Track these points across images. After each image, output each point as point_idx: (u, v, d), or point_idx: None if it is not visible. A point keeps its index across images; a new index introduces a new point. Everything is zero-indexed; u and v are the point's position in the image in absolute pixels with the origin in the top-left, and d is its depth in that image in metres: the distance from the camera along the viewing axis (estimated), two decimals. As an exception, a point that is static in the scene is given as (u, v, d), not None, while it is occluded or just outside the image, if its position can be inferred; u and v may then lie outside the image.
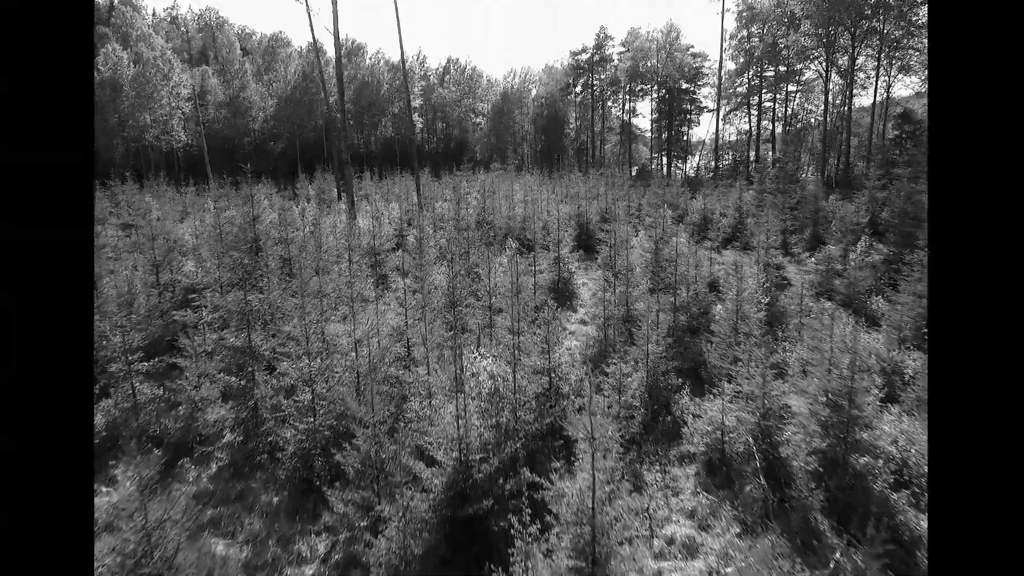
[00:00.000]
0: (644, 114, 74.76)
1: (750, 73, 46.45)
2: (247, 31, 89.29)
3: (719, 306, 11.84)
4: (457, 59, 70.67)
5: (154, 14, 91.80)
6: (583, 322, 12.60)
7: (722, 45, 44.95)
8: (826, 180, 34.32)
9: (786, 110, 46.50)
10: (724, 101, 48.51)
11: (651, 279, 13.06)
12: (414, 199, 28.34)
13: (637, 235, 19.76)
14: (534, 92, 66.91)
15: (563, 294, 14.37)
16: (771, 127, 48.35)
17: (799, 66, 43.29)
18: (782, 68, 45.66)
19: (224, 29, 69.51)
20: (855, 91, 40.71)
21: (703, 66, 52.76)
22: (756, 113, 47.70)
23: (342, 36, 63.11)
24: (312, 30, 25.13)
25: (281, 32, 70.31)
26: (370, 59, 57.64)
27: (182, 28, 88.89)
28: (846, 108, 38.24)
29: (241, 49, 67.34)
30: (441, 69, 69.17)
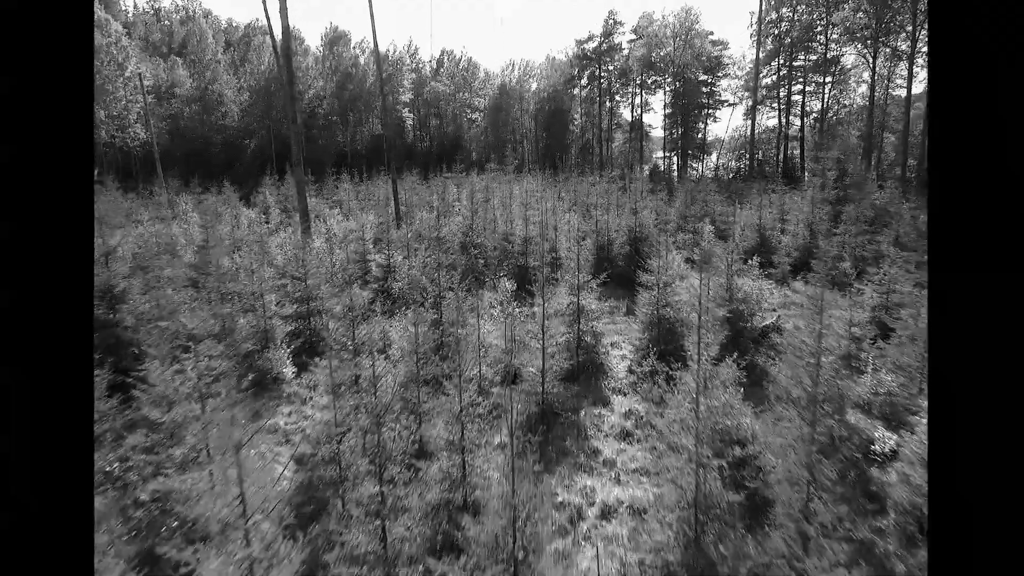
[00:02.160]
0: (656, 109, 70.10)
1: (779, 60, 41.25)
2: (234, 24, 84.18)
3: (879, 431, 6.82)
4: (452, 51, 65.46)
5: (135, 7, 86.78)
6: (625, 434, 7.56)
7: (760, 20, 39.56)
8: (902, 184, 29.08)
9: (823, 104, 41.22)
10: (749, 93, 43.33)
11: (733, 349, 8.06)
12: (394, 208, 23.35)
13: (673, 260, 14.69)
14: (535, 86, 61.62)
15: (586, 370, 9.35)
16: (800, 122, 43.10)
17: (841, 51, 38.09)
18: (813, 57, 40.48)
19: (198, 19, 64.36)
20: (900, 81, 35.70)
21: (723, 55, 47.53)
22: (785, 107, 42.52)
23: (325, 24, 57.86)
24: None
25: (258, 20, 65.20)
26: (354, 48, 52.45)
27: (165, 21, 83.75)
28: (904, 96, 33.04)
29: (227, 43, 62.18)
30: (434, 61, 63.98)
